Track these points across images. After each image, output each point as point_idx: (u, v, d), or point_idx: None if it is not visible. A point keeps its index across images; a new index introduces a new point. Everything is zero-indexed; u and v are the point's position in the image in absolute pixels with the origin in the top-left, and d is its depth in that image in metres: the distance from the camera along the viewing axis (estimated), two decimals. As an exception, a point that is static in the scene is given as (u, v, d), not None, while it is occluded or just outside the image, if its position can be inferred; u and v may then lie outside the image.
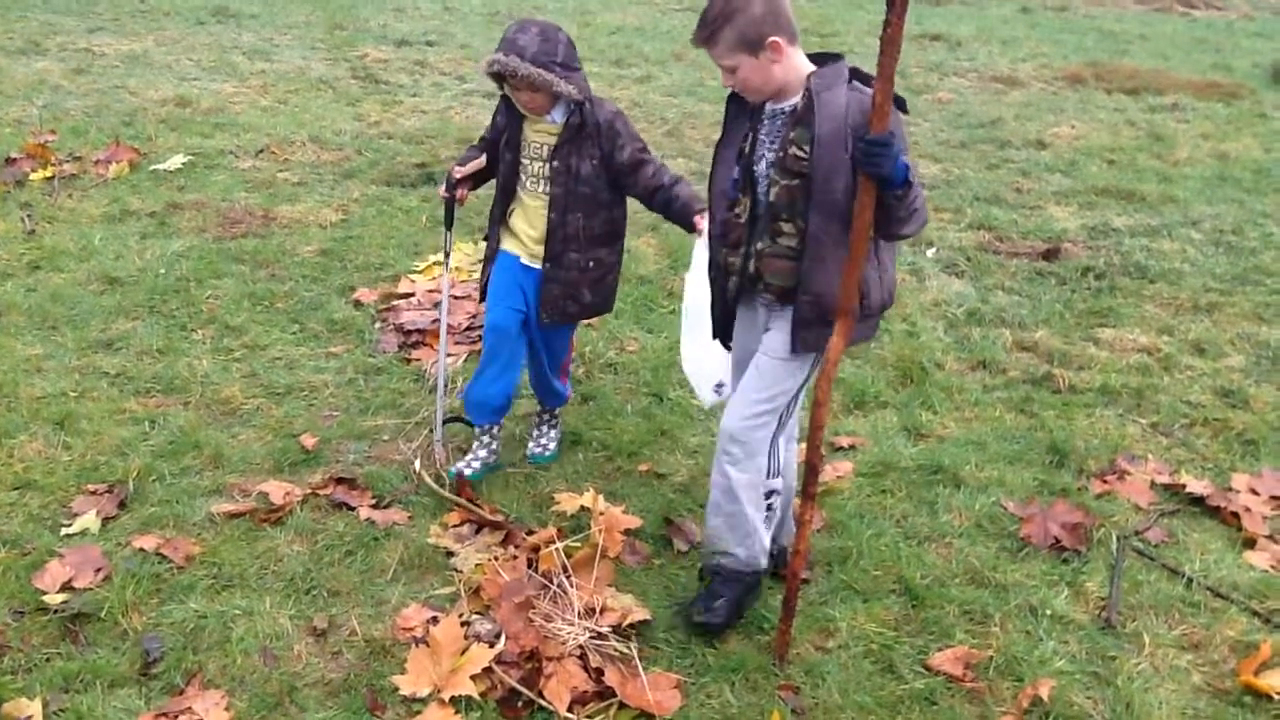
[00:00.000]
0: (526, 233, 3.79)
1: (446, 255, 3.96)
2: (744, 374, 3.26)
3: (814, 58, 2.94)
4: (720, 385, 3.49)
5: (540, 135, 3.68)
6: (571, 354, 3.98)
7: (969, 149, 9.02)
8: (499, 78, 3.56)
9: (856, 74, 2.91)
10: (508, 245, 3.85)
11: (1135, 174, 7.35)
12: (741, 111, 3.06)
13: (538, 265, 3.79)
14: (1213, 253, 6.81)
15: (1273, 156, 9.20)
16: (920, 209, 2.85)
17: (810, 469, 2.93)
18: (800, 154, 2.88)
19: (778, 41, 2.81)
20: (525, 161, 3.73)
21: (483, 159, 3.82)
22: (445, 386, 4.05)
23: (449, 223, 3.87)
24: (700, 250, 3.41)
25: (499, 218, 3.84)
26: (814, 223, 2.90)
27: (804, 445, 3.30)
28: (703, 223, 3.46)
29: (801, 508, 2.96)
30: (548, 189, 3.69)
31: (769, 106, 2.99)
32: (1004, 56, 13.22)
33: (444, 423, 4.10)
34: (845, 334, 2.83)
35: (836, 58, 2.94)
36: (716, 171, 3.12)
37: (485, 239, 3.92)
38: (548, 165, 3.67)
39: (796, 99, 2.91)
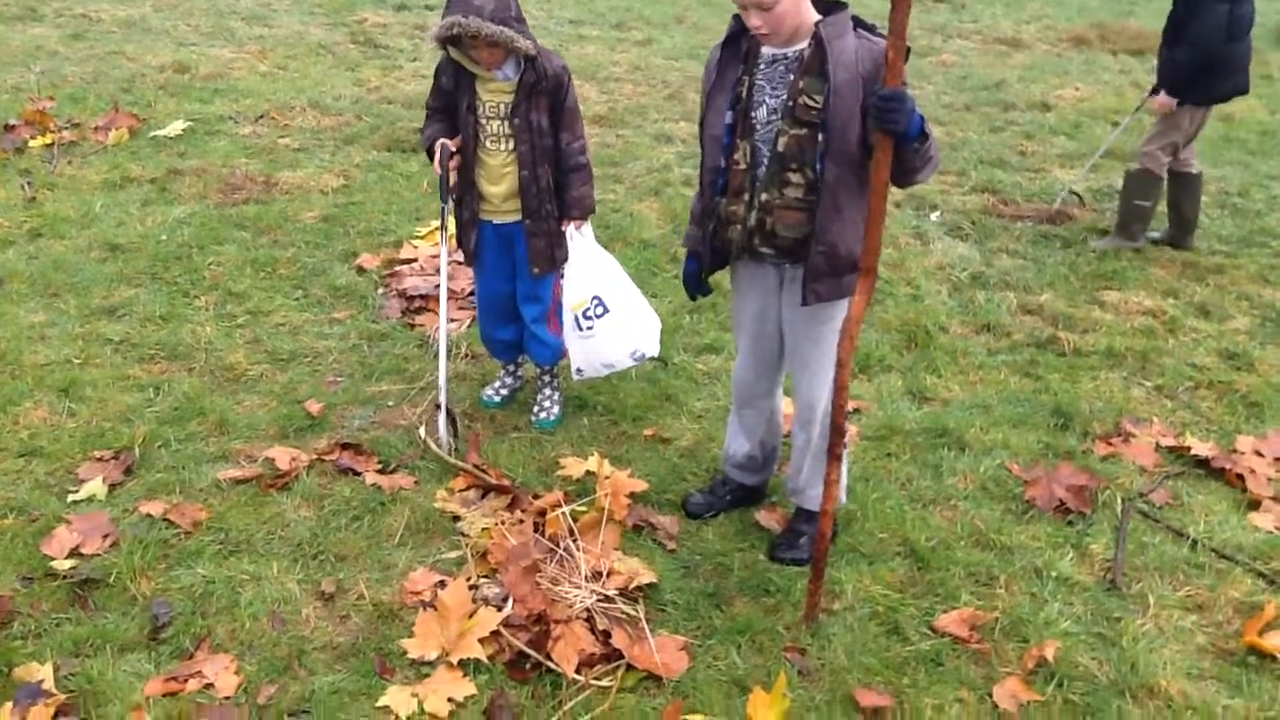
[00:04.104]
0: (490, 191, 3.82)
1: (444, 228, 3.93)
2: (757, 334, 3.33)
3: (815, 4, 2.93)
4: (579, 371, 3.94)
5: (493, 94, 3.70)
6: (556, 300, 3.97)
7: (973, 111, 8.96)
8: (453, 40, 3.56)
9: (859, 22, 2.91)
10: (479, 209, 3.87)
11: (1140, 136, 7.32)
12: (734, 56, 3.04)
13: (510, 219, 3.85)
14: (1218, 215, 6.79)
15: (1278, 119, 9.15)
16: (934, 156, 2.88)
17: (835, 429, 2.94)
18: (811, 103, 2.87)
19: None
20: (483, 122, 3.74)
21: (456, 128, 3.81)
22: (448, 354, 4.04)
23: (445, 196, 3.84)
24: (585, 244, 3.84)
25: (468, 180, 3.85)
26: (830, 172, 2.90)
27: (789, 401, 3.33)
28: (570, 227, 3.82)
29: (828, 468, 2.98)
30: (509, 146, 3.73)
31: (767, 51, 2.97)
32: (1007, 18, 13.12)
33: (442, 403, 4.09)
34: (867, 293, 2.83)
35: (840, 5, 2.92)
36: (708, 118, 3.10)
37: (456, 202, 3.92)
38: (507, 123, 3.70)
39: (803, 45, 2.90)
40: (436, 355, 4.35)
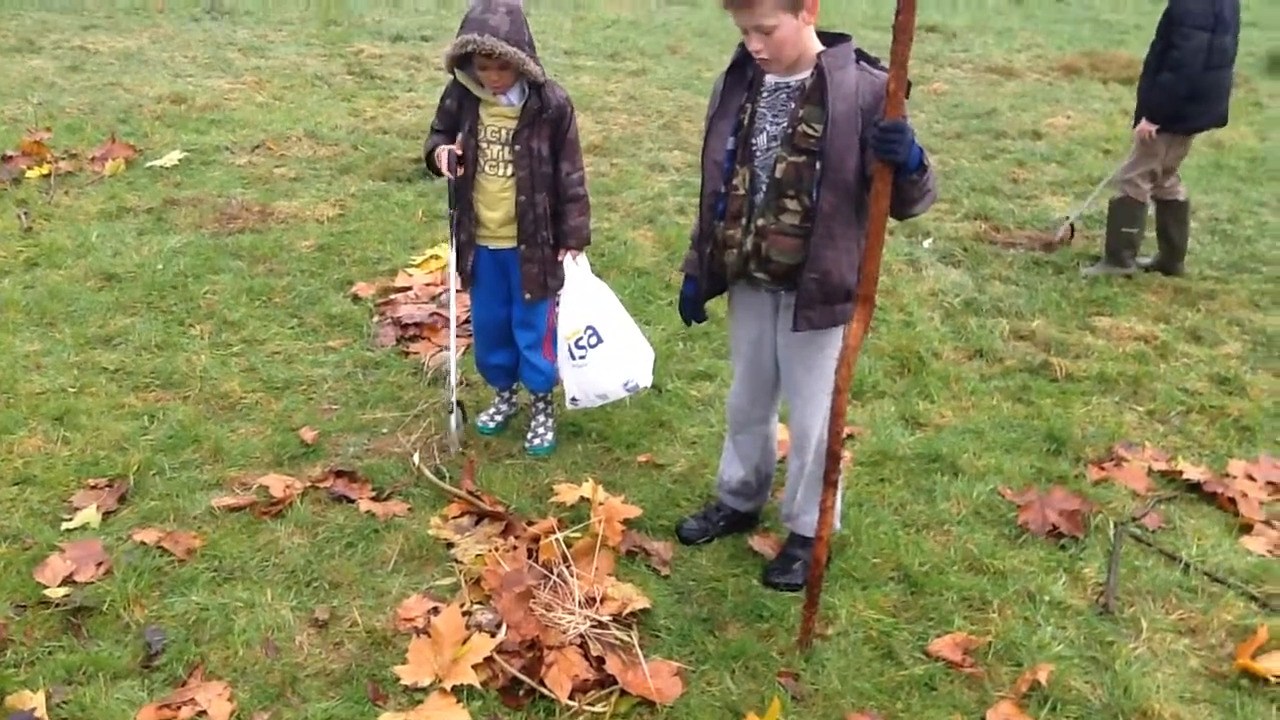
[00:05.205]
0: (488, 216, 3.85)
1: (453, 233, 3.91)
2: (753, 359, 3.36)
3: (820, 36, 2.97)
4: (574, 400, 3.91)
5: (496, 119, 3.74)
6: (551, 328, 3.99)
7: (965, 139, 9.03)
8: (463, 60, 3.61)
9: (862, 55, 2.94)
10: (475, 233, 3.90)
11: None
12: (738, 83, 3.08)
13: (505, 245, 3.88)
14: (1209, 241, 6.83)
15: (1268, 145, 9.24)
16: (932, 189, 2.90)
17: (831, 456, 2.94)
18: (810, 132, 2.91)
19: (815, 0, 2.86)
20: (484, 146, 3.78)
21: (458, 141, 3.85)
22: (456, 373, 4.06)
23: (454, 203, 3.87)
24: (581, 273, 3.85)
25: (465, 204, 3.87)
26: (826, 201, 2.93)
27: (783, 426, 3.34)
28: (568, 258, 3.85)
29: (823, 494, 2.99)
30: (507, 171, 3.77)
31: (770, 80, 3.01)
32: (999, 47, 13.23)
33: (453, 409, 4.10)
34: (865, 320, 2.84)
35: (843, 37, 2.96)
36: (710, 143, 3.14)
37: (455, 225, 3.93)
38: (508, 149, 3.74)
39: (805, 74, 2.94)
40: (431, 380, 4.36)
